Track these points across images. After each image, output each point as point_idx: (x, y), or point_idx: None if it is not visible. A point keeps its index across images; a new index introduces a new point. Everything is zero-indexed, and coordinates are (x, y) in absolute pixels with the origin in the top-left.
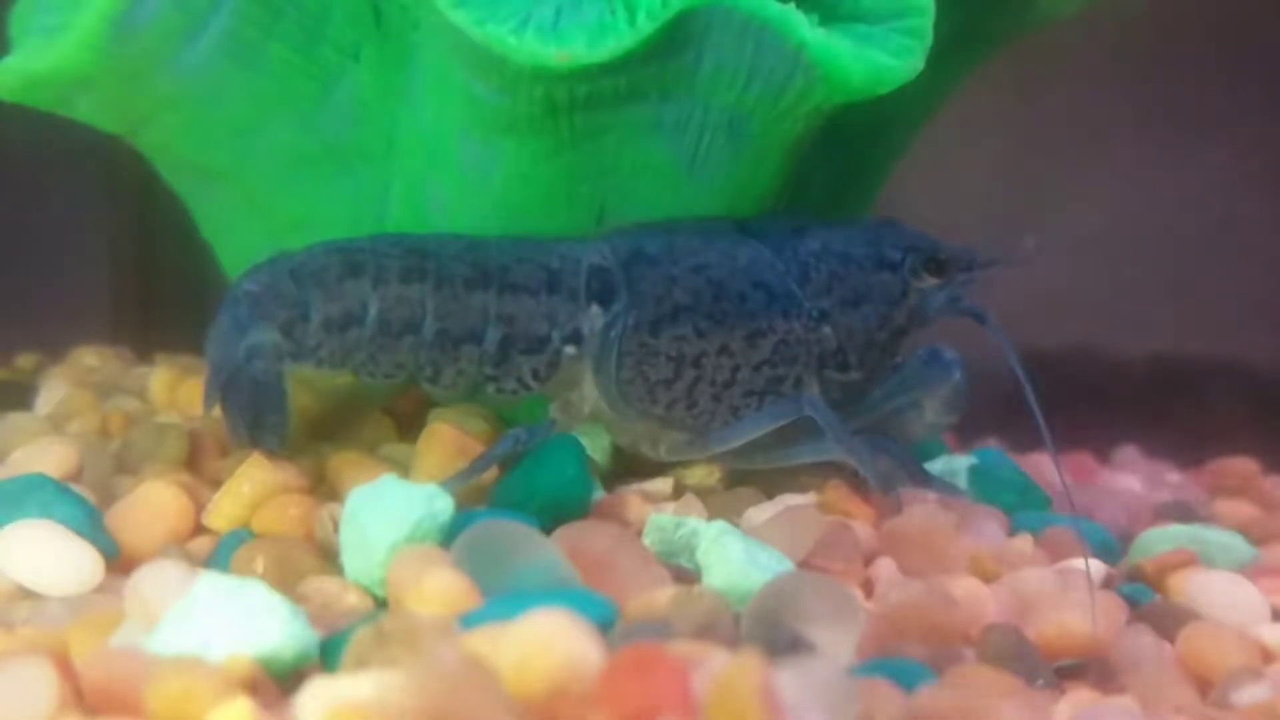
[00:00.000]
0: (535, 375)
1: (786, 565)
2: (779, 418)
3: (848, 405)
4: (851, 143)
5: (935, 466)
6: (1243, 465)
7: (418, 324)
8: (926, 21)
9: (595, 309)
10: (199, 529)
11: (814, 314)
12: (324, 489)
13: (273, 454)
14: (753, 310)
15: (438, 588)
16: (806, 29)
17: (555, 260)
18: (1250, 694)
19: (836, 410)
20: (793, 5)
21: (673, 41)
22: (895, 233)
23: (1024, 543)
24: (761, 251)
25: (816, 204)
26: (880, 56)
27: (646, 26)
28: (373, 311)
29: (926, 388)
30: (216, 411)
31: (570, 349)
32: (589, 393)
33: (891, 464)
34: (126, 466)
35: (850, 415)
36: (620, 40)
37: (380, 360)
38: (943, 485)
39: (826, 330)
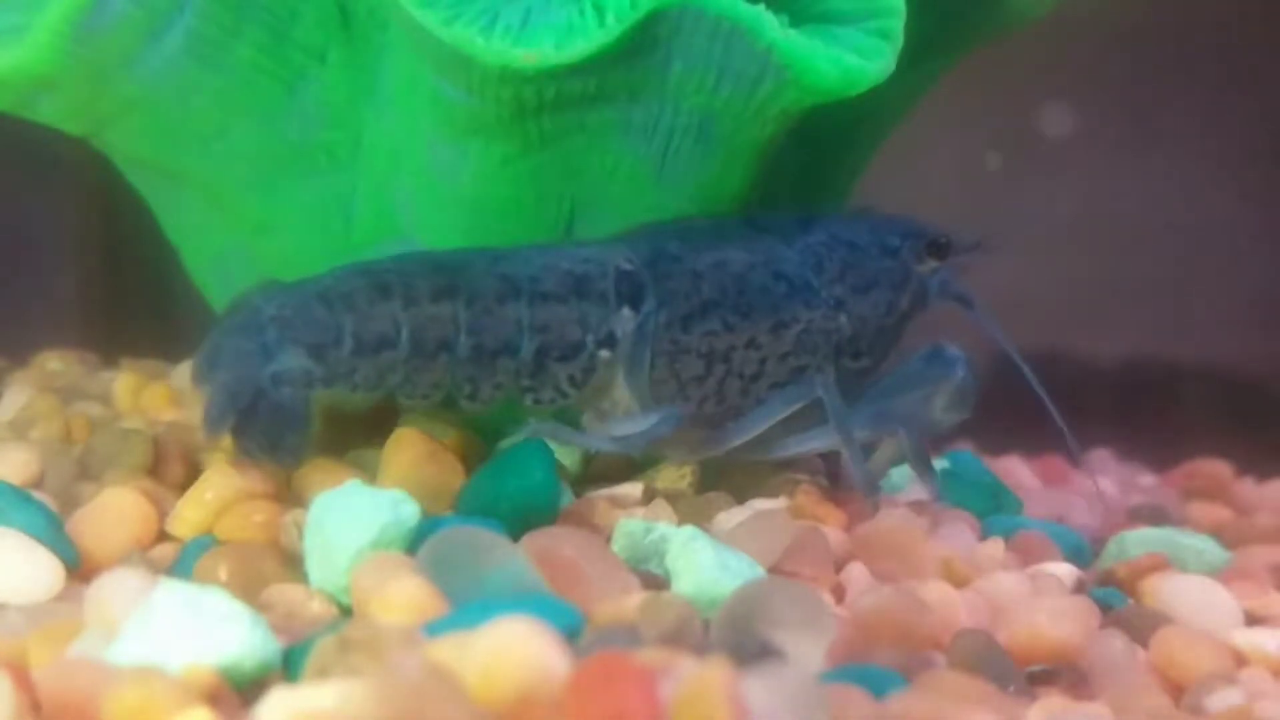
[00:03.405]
0: (572, 382)
1: (757, 570)
2: (792, 401)
3: (853, 396)
4: (822, 144)
5: (905, 470)
6: (1216, 468)
7: (452, 342)
8: (897, 23)
9: (626, 311)
10: (162, 536)
11: (831, 303)
12: (289, 495)
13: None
14: (776, 302)
15: (402, 595)
16: (777, 30)
17: (580, 265)
18: (1223, 699)
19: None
20: (763, 6)
21: (642, 43)
22: (889, 220)
23: (995, 547)
24: (775, 244)
25: (787, 205)
26: (851, 58)
27: (615, 27)
28: (405, 332)
29: (929, 385)
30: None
31: (605, 353)
32: (620, 397)
33: (893, 453)
34: (89, 472)
35: (855, 407)
36: (589, 41)
37: (417, 380)
38: (938, 482)
39: (843, 319)
